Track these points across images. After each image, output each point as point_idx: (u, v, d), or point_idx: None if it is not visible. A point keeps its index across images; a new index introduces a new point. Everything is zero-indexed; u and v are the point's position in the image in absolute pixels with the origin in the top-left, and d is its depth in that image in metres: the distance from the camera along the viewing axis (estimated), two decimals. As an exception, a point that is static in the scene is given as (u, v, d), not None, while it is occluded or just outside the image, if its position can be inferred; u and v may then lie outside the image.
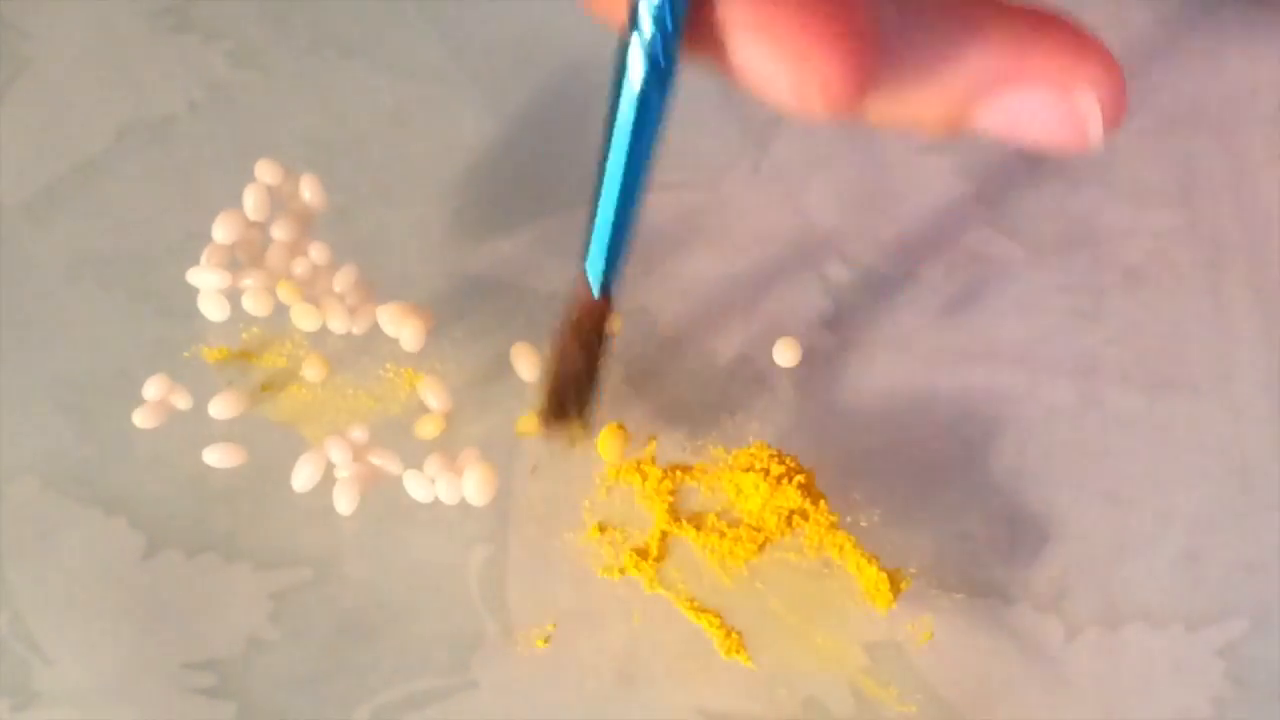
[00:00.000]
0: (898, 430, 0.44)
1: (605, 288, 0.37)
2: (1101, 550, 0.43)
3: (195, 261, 0.45)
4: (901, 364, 0.45)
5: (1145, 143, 0.48)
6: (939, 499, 0.44)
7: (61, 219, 0.47)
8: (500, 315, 0.46)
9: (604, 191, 0.36)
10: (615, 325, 0.39)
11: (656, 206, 0.48)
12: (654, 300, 0.46)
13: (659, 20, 0.32)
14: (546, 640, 0.42)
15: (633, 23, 0.33)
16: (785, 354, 0.45)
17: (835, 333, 0.46)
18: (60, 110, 0.49)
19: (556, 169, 0.48)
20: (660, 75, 0.33)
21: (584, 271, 0.37)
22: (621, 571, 0.42)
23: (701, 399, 0.45)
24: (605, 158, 0.35)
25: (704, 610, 0.42)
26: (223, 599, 0.42)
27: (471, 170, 0.48)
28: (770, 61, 0.31)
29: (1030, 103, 0.32)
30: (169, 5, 0.50)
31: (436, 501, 0.43)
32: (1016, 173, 0.48)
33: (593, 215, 0.36)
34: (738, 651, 0.42)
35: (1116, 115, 0.32)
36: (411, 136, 0.49)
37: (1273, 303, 0.46)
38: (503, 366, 0.45)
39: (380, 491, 0.44)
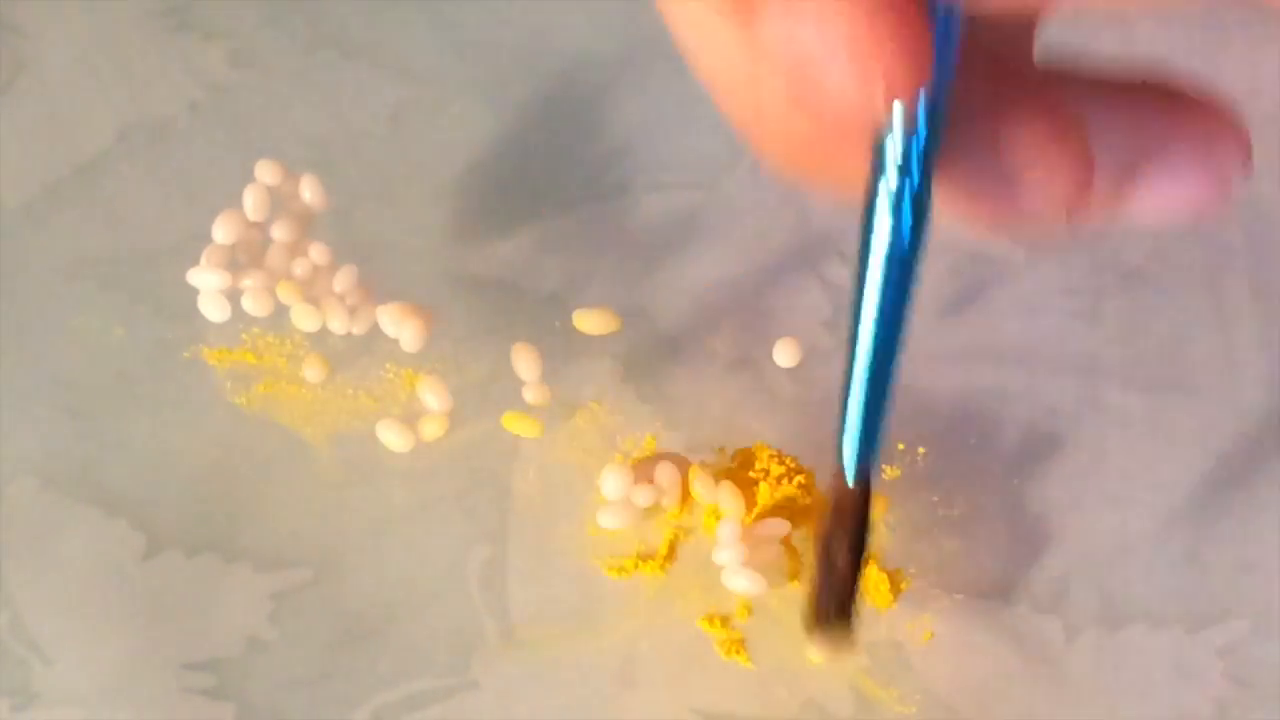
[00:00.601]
0: (898, 430, 0.44)
1: (863, 472, 0.33)
2: (1101, 550, 0.43)
3: (195, 261, 0.45)
4: (901, 364, 0.45)
5: (1145, 143, 0.48)
6: (939, 499, 0.44)
7: (61, 219, 0.47)
8: (500, 315, 0.46)
9: (857, 365, 0.32)
10: (877, 512, 0.36)
11: (656, 206, 0.48)
12: (654, 300, 0.46)
13: (908, 171, 0.29)
14: (546, 640, 0.42)
15: (877, 177, 0.29)
16: (785, 354, 0.45)
17: (835, 333, 0.46)
18: (60, 110, 0.49)
19: (556, 169, 0.48)
20: (914, 234, 0.30)
21: (839, 457, 0.33)
22: (624, 571, 0.42)
23: (701, 399, 0.45)
24: (857, 326, 0.31)
25: (705, 611, 0.42)
26: (223, 599, 0.42)
27: (471, 170, 0.48)
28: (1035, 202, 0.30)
29: (1174, 184, 0.31)
30: (169, 5, 0.50)
31: (436, 501, 0.43)
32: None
33: (845, 391, 0.32)
34: (737, 652, 0.42)
35: (1249, 161, 0.31)
36: (411, 136, 0.49)
37: (1273, 303, 0.46)
38: (503, 366, 0.45)
39: (380, 492, 0.44)
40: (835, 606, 0.35)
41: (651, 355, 0.45)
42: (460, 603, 0.42)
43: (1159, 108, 0.31)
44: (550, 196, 0.48)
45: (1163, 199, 0.31)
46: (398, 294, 0.46)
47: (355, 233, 0.47)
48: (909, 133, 0.28)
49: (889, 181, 0.29)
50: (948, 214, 0.30)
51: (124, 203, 0.48)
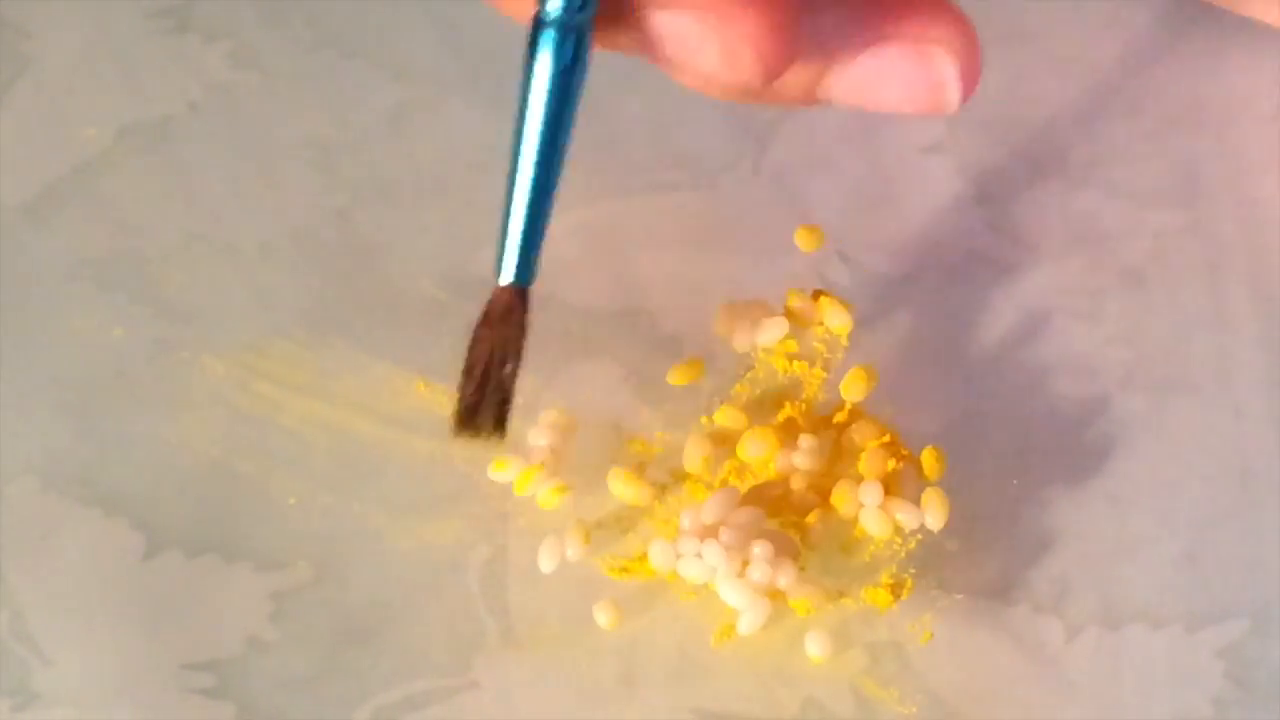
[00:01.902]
0: (898, 430, 0.44)
1: (519, 278, 0.36)
2: (1101, 550, 0.43)
3: (195, 262, 0.46)
4: (901, 364, 0.45)
5: (1145, 143, 0.48)
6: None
7: (61, 219, 0.47)
8: (500, 315, 0.46)
9: (516, 180, 0.35)
10: (527, 320, 0.37)
11: (656, 206, 0.48)
12: (654, 300, 0.46)
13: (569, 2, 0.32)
14: (546, 640, 0.42)
15: (542, 3, 0.32)
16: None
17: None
18: (60, 110, 0.49)
19: (556, 169, 0.48)
20: (573, 59, 0.33)
21: (497, 262, 0.36)
22: (624, 571, 0.42)
23: (702, 399, 0.45)
24: (517, 145, 0.35)
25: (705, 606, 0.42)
26: (223, 599, 0.42)
27: (471, 170, 0.48)
28: (697, 28, 0.31)
29: (885, 67, 0.31)
30: (169, 5, 0.50)
31: (436, 501, 0.43)
32: (1016, 173, 0.48)
33: (507, 200, 0.35)
34: (729, 635, 0.41)
35: (972, 78, 0.32)
36: (411, 136, 0.49)
37: (1273, 303, 0.46)
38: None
39: (380, 492, 0.44)
40: (492, 409, 0.37)
41: (651, 355, 0.45)
42: (460, 603, 0.42)
43: (884, 3, 0.31)
44: (550, 196, 0.48)
45: (862, 91, 0.32)
46: (398, 294, 0.46)
47: (355, 233, 0.47)
48: None
49: (550, 14, 0.32)
50: (654, 60, 0.31)
51: (124, 203, 0.48)
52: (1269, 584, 0.43)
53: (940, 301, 0.46)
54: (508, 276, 0.36)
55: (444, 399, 0.45)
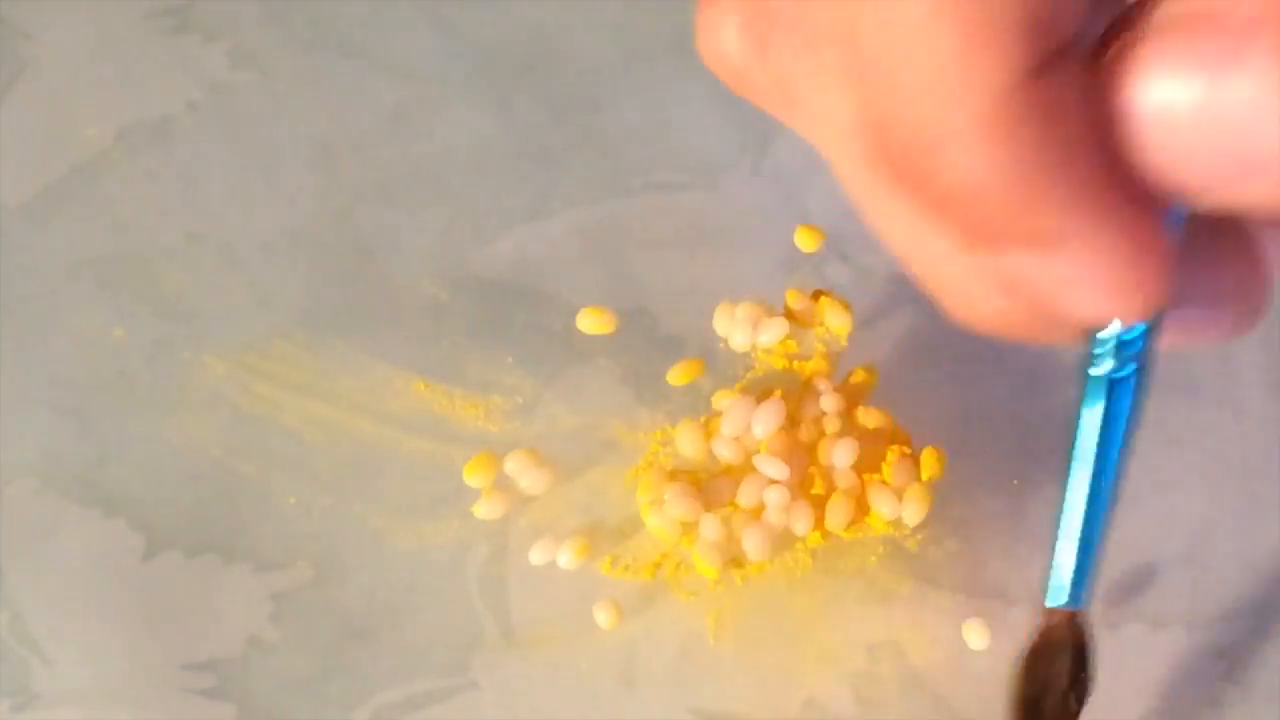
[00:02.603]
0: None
1: (1078, 599, 0.34)
2: (1102, 550, 0.43)
3: (195, 262, 0.46)
4: (901, 364, 0.45)
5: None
6: (938, 498, 0.43)
7: (61, 219, 0.47)
8: (500, 316, 0.46)
9: (1077, 500, 0.34)
10: (1093, 652, 0.36)
11: (656, 206, 0.48)
12: (654, 300, 0.46)
13: (1133, 352, 0.31)
14: (546, 640, 0.42)
15: (1095, 358, 0.31)
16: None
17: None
18: (60, 110, 0.49)
19: (557, 169, 0.48)
20: (1135, 385, 0.32)
21: (1049, 586, 0.34)
22: (625, 571, 0.42)
23: (702, 399, 0.45)
24: (1076, 468, 0.34)
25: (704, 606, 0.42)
26: (223, 599, 0.42)
27: (471, 170, 0.48)
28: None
29: (1198, 319, 0.31)
30: (169, 5, 0.50)
31: (437, 501, 0.43)
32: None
33: (1064, 529, 0.34)
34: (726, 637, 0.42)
35: (1266, 313, 0.32)
36: (411, 136, 0.49)
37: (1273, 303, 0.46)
38: (502, 367, 0.45)
39: (380, 492, 0.44)
40: None
41: (651, 355, 0.45)
42: (460, 603, 0.42)
43: (1223, 252, 0.31)
44: (551, 196, 0.48)
45: (1180, 333, 0.31)
46: (397, 295, 0.46)
47: (355, 233, 0.47)
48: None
49: (1107, 359, 0.31)
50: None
51: (124, 203, 0.48)
52: (1269, 584, 0.43)
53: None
54: (1058, 598, 0.34)
55: (444, 399, 0.45)
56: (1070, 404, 0.45)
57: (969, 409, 0.45)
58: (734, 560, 0.42)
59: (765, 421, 0.42)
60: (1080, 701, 0.36)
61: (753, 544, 0.41)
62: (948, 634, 0.42)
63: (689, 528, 0.42)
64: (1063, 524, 0.34)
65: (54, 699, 0.41)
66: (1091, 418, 0.33)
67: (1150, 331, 0.30)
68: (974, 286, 0.29)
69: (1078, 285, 0.28)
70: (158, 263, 0.47)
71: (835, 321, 0.44)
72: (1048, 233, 0.27)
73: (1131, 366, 0.31)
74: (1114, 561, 0.43)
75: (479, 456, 0.43)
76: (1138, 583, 0.43)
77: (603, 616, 0.42)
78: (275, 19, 0.50)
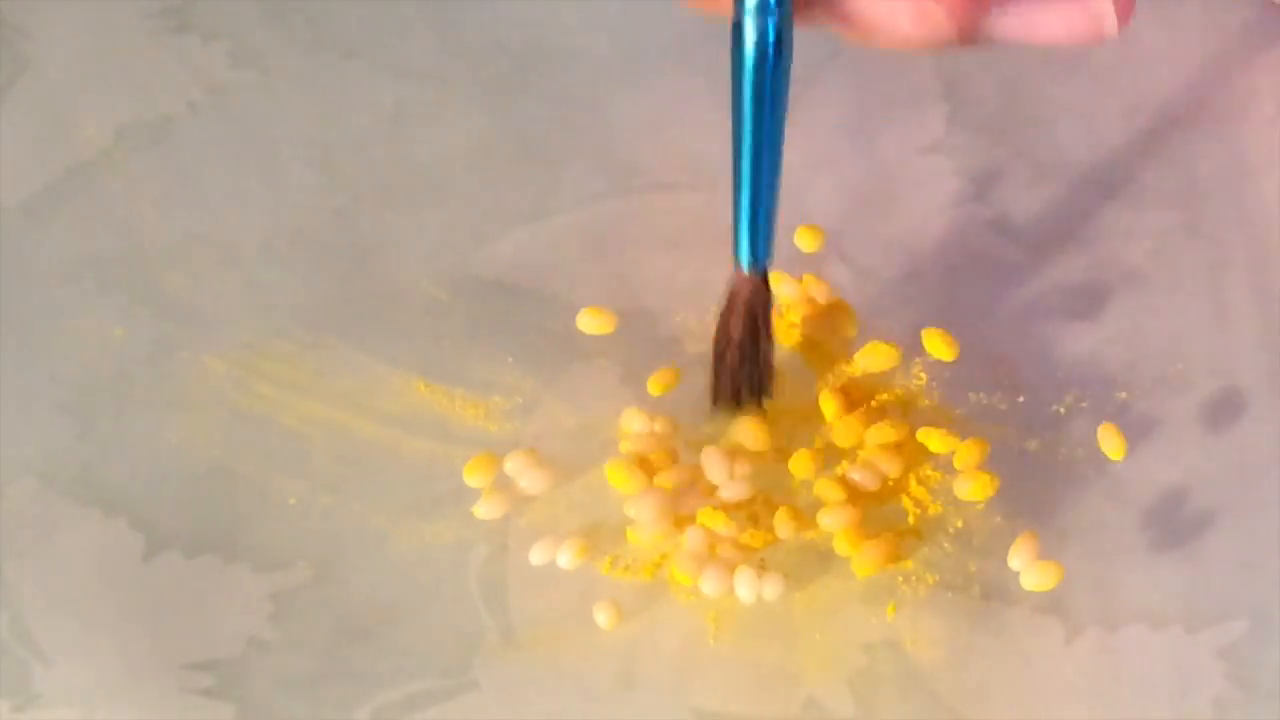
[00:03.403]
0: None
1: (757, 263, 0.38)
2: (1101, 550, 0.43)
3: (195, 262, 0.46)
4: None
5: (1145, 143, 0.48)
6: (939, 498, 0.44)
7: (61, 219, 0.47)
8: (500, 316, 0.46)
9: (741, 169, 0.36)
10: (771, 300, 0.39)
11: (657, 206, 0.48)
12: (654, 300, 0.46)
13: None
14: (546, 640, 0.42)
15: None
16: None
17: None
18: (60, 110, 0.49)
19: (556, 169, 0.48)
20: (778, 42, 0.34)
21: (736, 253, 0.38)
22: (625, 572, 0.42)
23: (703, 400, 0.45)
24: (739, 137, 0.36)
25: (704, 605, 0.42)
26: (222, 600, 0.42)
27: (471, 170, 0.48)
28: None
29: (1049, 6, 0.33)
30: (169, 5, 0.50)
31: (436, 501, 0.43)
32: (1017, 173, 0.48)
33: (736, 195, 0.37)
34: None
35: (1128, 6, 0.34)
36: (411, 136, 0.49)
37: (1273, 303, 0.46)
38: (502, 367, 0.45)
39: (380, 492, 0.44)
40: (747, 380, 0.40)
41: (651, 355, 0.45)
42: (460, 603, 0.42)
43: None
44: (550, 196, 0.48)
45: (1029, 25, 0.34)
46: (397, 295, 0.46)
47: (355, 233, 0.47)
48: None
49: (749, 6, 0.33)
50: (849, 34, 0.33)
51: (124, 203, 0.48)
52: (1269, 584, 0.43)
53: (940, 301, 0.46)
54: (745, 261, 0.38)
55: (444, 399, 0.45)
56: (1070, 403, 0.45)
57: (966, 409, 0.45)
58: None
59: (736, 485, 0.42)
60: (758, 349, 0.40)
61: (710, 582, 0.42)
62: (948, 634, 0.42)
63: (670, 535, 0.42)
64: (737, 192, 0.37)
65: (54, 699, 0.41)
66: (749, 60, 0.35)
67: None
68: None
69: None
70: (158, 263, 0.47)
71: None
72: None
73: (774, 19, 0.34)
74: (1114, 561, 0.43)
75: (479, 457, 0.43)
76: (1137, 583, 0.43)
77: (603, 616, 0.42)
78: (275, 19, 0.50)
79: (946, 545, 0.43)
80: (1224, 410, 0.45)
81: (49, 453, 0.44)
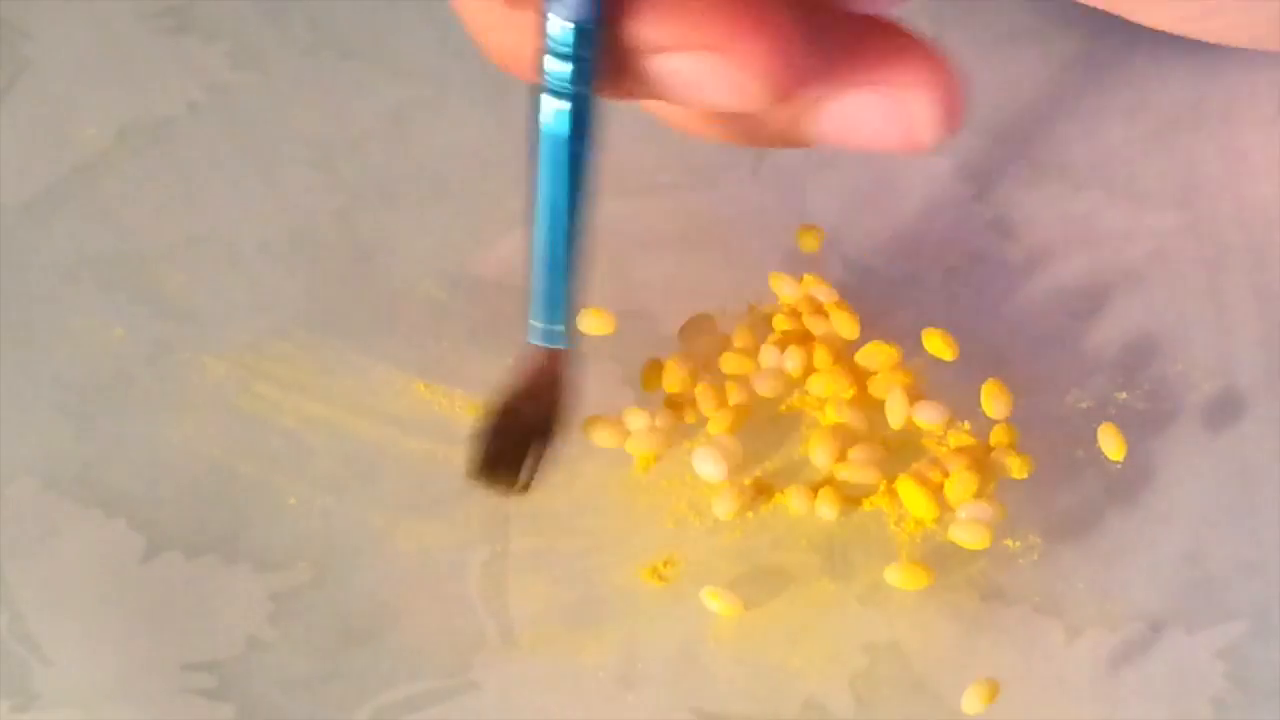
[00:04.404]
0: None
1: (555, 338, 0.36)
2: (1101, 550, 0.43)
3: (195, 262, 0.46)
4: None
5: (1145, 143, 0.48)
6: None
7: (61, 219, 0.47)
8: (500, 316, 0.46)
9: (539, 238, 0.35)
10: (568, 379, 0.37)
11: (657, 206, 0.48)
12: (654, 301, 0.46)
13: (568, 57, 0.32)
14: (546, 641, 0.42)
15: (542, 66, 0.32)
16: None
17: (835, 333, 0.46)
18: (60, 110, 0.49)
19: (556, 169, 0.48)
20: (579, 116, 0.33)
21: (531, 323, 0.36)
22: (628, 570, 0.43)
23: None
24: (535, 205, 0.34)
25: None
26: (222, 600, 0.42)
27: (471, 170, 0.48)
28: (704, 67, 0.31)
29: (860, 107, 0.32)
30: (169, 6, 0.50)
31: (436, 501, 0.43)
32: (1017, 173, 0.48)
33: (533, 263, 0.35)
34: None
35: (953, 115, 0.32)
36: (411, 136, 0.49)
37: (1273, 303, 0.46)
38: (502, 367, 0.45)
39: (380, 492, 0.44)
40: (515, 460, 0.37)
41: (651, 355, 0.45)
42: (460, 603, 0.42)
43: (856, 45, 0.32)
44: (550, 196, 0.48)
45: (845, 127, 0.33)
46: (397, 294, 0.46)
47: (355, 233, 0.47)
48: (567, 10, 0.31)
49: (552, 57, 0.32)
50: (659, 106, 0.33)
51: (124, 203, 0.48)
52: (1269, 585, 0.43)
53: (940, 301, 0.46)
54: (534, 337, 0.36)
55: (444, 399, 0.45)
56: (1069, 404, 0.45)
57: (969, 409, 0.45)
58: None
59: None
60: (546, 437, 0.37)
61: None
62: (948, 634, 0.42)
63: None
64: (533, 262, 0.35)
65: (54, 699, 0.41)
66: (547, 142, 0.33)
67: (582, 39, 0.31)
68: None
69: None
70: (158, 263, 0.47)
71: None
72: None
73: (571, 91, 0.32)
74: (1114, 561, 0.43)
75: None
76: (1137, 583, 0.43)
77: (604, 617, 0.42)
78: (275, 19, 0.50)
79: (945, 545, 0.43)
80: (1224, 410, 0.45)
81: (49, 453, 0.44)
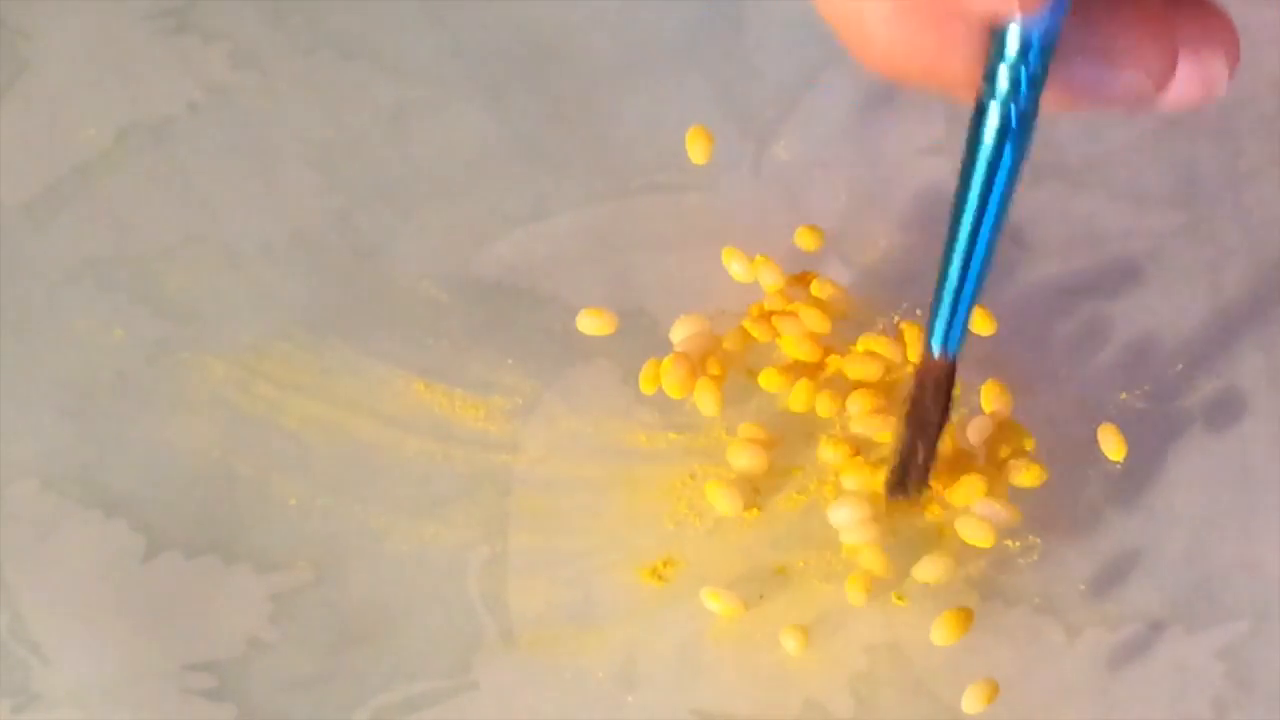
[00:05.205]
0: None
1: (948, 350, 0.37)
2: (1102, 550, 0.43)
3: (195, 262, 0.46)
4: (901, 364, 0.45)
5: (1145, 144, 0.48)
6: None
7: (61, 219, 0.47)
8: (500, 316, 0.46)
9: (953, 255, 0.35)
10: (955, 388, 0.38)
11: (657, 206, 0.48)
12: (654, 301, 0.46)
13: (1018, 82, 0.32)
14: (546, 641, 0.42)
15: (990, 81, 0.32)
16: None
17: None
18: (60, 110, 0.49)
19: (556, 169, 0.48)
20: (1019, 136, 0.33)
21: (929, 334, 0.37)
22: (628, 570, 0.43)
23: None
24: (957, 222, 0.35)
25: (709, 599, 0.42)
26: (223, 600, 0.42)
27: (471, 170, 0.48)
28: (1141, 80, 0.32)
29: (1182, 77, 0.33)
30: (169, 6, 0.50)
31: (436, 501, 0.43)
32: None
33: (942, 279, 0.36)
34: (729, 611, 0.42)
35: (1235, 66, 0.34)
36: (411, 136, 0.49)
37: (1273, 303, 0.46)
38: (502, 367, 0.45)
39: (380, 492, 0.44)
40: (918, 469, 0.40)
41: (651, 355, 0.45)
42: (460, 603, 0.42)
43: (1190, 9, 0.33)
44: (550, 196, 0.48)
45: (1175, 94, 0.33)
46: (397, 295, 0.46)
47: (355, 233, 0.47)
48: (1036, 24, 0.31)
49: (1007, 71, 0.32)
50: (1049, 99, 0.32)
51: (124, 203, 0.48)
52: (1269, 585, 0.43)
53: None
54: (939, 349, 0.37)
55: (444, 399, 0.45)
56: (1069, 404, 0.45)
57: (968, 409, 0.45)
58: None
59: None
60: (939, 431, 0.39)
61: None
62: (948, 635, 0.42)
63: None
64: (943, 276, 0.35)
65: (54, 699, 0.41)
66: (982, 164, 0.33)
67: (1044, 53, 0.31)
68: (869, 5, 0.31)
69: None
70: (158, 263, 0.47)
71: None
72: None
73: (1022, 105, 0.32)
74: (1114, 561, 0.43)
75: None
76: (1136, 583, 0.43)
77: (604, 617, 0.42)
78: (275, 19, 0.50)
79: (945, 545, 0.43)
80: (1224, 410, 0.45)
81: (49, 453, 0.44)
